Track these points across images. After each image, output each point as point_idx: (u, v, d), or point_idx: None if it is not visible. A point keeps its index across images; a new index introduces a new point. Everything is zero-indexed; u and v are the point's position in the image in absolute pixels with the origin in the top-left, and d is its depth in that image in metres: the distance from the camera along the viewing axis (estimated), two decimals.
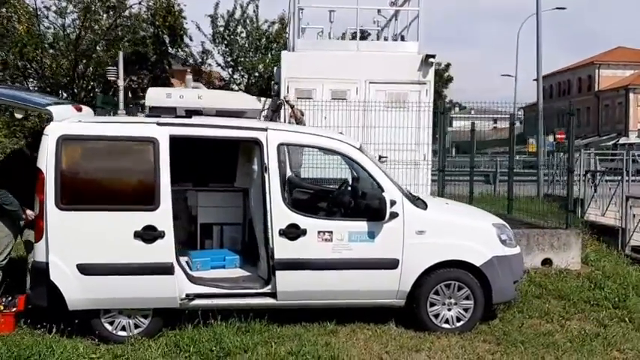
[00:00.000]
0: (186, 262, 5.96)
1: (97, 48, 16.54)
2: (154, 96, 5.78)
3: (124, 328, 5.40)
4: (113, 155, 5.28)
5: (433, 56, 9.88)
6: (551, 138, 25.36)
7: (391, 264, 5.58)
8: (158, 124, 5.39)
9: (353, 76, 9.85)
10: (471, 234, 5.77)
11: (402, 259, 5.59)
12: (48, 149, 5.08)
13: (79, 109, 5.87)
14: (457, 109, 74.34)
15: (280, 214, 5.40)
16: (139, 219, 5.15)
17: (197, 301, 5.48)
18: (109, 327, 5.37)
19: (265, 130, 5.50)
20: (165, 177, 5.20)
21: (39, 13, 14.81)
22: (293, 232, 5.41)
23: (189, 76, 6.68)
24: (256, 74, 17.89)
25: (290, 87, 9.88)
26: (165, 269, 5.21)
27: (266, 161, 5.41)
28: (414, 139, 9.74)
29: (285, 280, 5.49)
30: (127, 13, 17.07)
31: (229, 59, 18.21)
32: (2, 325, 5.41)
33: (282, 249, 5.43)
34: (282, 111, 8.70)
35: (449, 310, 5.77)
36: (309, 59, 9.91)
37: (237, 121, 5.71)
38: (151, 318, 5.43)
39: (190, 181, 6.61)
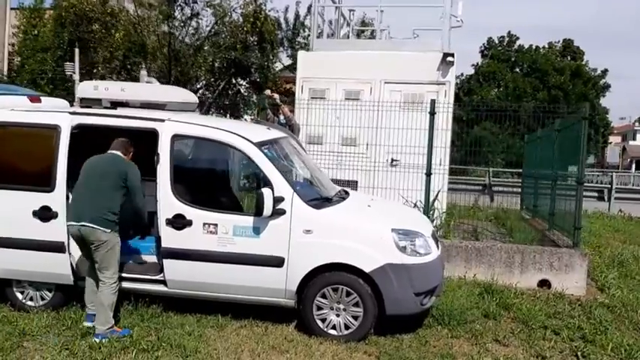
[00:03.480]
0: None
1: (204, 53, 17.76)
2: (83, 88, 6.22)
3: (32, 299, 5.91)
4: (22, 140, 5.83)
5: (452, 55, 9.28)
6: None
7: (276, 262, 5.42)
8: (70, 113, 5.83)
9: (367, 76, 9.60)
10: (363, 237, 5.38)
11: (287, 257, 5.40)
12: None
13: (36, 100, 6.52)
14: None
15: (167, 204, 5.53)
16: (37, 199, 5.61)
17: None
18: (19, 296, 5.92)
19: (163, 121, 5.67)
20: (63, 162, 5.59)
21: (137, 20, 16.41)
22: (179, 222, 5.51)
23: (143, 72, 7.08)
24: None
25: (304, 87, 9.92)
26: (58, 247, 5.60)
27: (159, 151, 5.57)
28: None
29: (172, 269, 5.61)
30: (227, 19, 18.19)
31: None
32: None
33: (169, 238, 5.55)
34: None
35: (337, 315, 5.44)
36: (323, 59, 9.87)
37: (141, 112, 5.94)
38: (54, 292, 5.88)
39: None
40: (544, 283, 7.57)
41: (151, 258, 6.17)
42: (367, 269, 5.29)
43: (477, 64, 46.99)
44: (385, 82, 9.54)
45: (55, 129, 5.66)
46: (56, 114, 5.82)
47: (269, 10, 18.20)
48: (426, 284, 5.54)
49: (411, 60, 9.44)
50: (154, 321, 5.67)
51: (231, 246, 5.47)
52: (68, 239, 5.61)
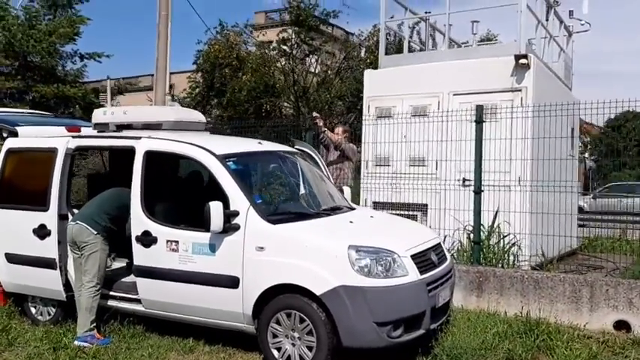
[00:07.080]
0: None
1: (330, 87, 18.03)
2: (95, 114, 6.55)
3: (42, 314, 6.24)
4: (29, 164, 6.29)
5: (524, 56, 8.01)
6: None
7: (232, 282, 5.01)
8: (72, 137, 6.17)
9: (434, 89, 8.72)
10: (315, 255, 4.69)
11: (242, 277, 4.97)
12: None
13: (74, 130, 7.03)
14: None
15: (137, 220, 5.48)
16: (37, 218, 5.95)
17: None
18: (33, 310, 6.30)
19: (139, 139, 5.70)
20: (57, 182, 5.88)
21: (261, 61, 17.21)
22: (146, 239, 5.41)
23: (168, 97, 7.23)
24: None
25: (371, 106, 9.36)
26: (50, 264, 5.86)
27: (133, 167, 5.59)
28: (505, 155, 7.92)
29: (143, 288, 5.51)
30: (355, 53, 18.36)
31: None
32: None
33: (139, 255, 5.48)
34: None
35: (292, 345, 4.80)
36: (389, 76, 9.23)
37: (128, 132, 6.04)
38: (57, 308, 6.13)
39: None
40: (623, 325, 5.95)
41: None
42: (318, 292, 4.62)
43: None
44: (454, 94, 8.55)
45: (53, 152, 6.01)
46: (55, 138, 6.19)
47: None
48: (394, 313, 4.63)
49: (482, 67, 8.35)
50: (131, 341, 5.57)
51: (191, 264, 5.21)
52: (59, 256, 5.85)
